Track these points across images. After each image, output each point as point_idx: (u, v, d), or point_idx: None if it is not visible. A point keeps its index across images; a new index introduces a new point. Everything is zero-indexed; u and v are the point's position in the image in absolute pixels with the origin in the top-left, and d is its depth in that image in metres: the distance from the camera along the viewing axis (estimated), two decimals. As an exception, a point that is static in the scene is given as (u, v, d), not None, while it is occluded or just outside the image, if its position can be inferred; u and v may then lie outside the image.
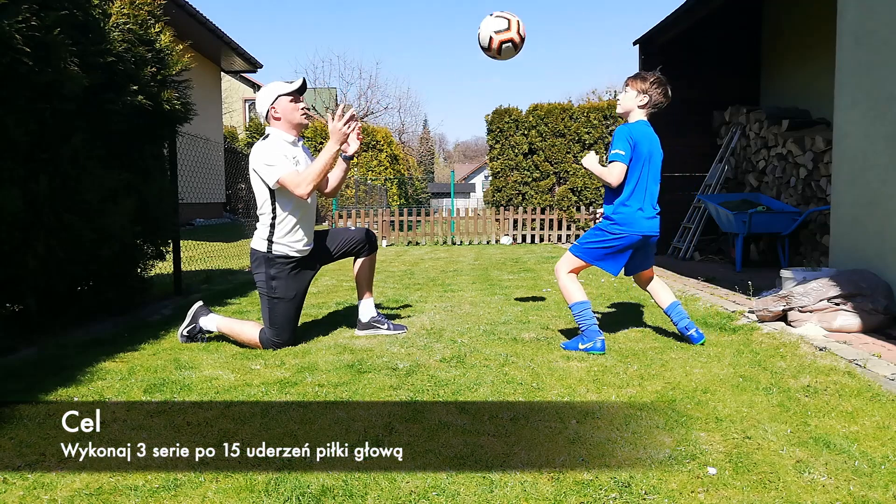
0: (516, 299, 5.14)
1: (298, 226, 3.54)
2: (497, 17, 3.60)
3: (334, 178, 3.72)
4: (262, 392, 2.77)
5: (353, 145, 3.58)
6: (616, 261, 3.54)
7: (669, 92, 3.52)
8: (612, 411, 2.47)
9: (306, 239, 3.60)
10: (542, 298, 5.18)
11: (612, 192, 3.52)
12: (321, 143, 17.58)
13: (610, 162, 3.44)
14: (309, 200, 3.59)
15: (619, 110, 3.63)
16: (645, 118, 3.53)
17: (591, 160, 3.60)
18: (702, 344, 3.48)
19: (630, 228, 3.45)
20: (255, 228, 3.59)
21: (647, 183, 3.49)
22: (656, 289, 3.69)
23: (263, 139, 3.53)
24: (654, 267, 3.77)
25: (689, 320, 3.54)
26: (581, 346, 3.41)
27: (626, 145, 3.41)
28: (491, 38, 3.58)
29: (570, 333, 3.84)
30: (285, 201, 3.49)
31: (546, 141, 12.23)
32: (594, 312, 3.53)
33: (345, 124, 3.43)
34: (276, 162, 3.39)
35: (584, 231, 11.90)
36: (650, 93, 3.49)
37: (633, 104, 3.52)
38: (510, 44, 3.58)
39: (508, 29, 3.58)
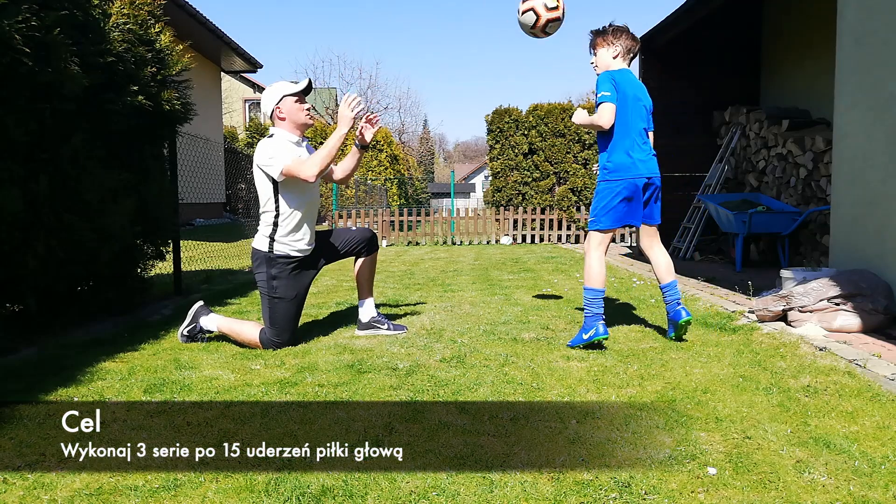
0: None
1: (301, 225, 3.55)
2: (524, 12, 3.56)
3: (347, 165, 3.77)
4: (262, 392, 2.77)
5: (368, 133, 3.61)
6: (633, 212, 3.50)
7: (634, 35, 3.54)
8: (612, 411, 2.47)
9: (308, 238, 3.60)
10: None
11: (603, 142, 3.51)
12: (321, 142, 17.57)
13: (597, 105, 3.42)
14: (312, 199, 3.59)
15: (598, 71, 3.61)
16: (625, 66, 3.54)
17: (580, 115, 3.57)
18: (687, 322, 3.47)
19: (628, 173, 3.43)
20: (257, 228, 3.59)
21: (636, 126, 3.47)
22: (660, 262, 3.64)
23: (268, 138, 3.53)
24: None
25: (679, 298, 3.53)
26: (584, 337, 3.42)
27: (610, 86, 3.41)
28: (539, 14, 3.51)
29: (570, 333, 3.84)
30: (289, 198, 3.49)
31: (546, 141, 12.23)
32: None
33: (350, 107, 3.43)
34: (280, 153, 3.40)
35: (584, 231, 11.92)
36: (617, 43, 3.51)
37: (608, 59, 3.54)
38: (557, 21, 3.55)
39: (557, 7, 3.52)
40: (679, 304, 3.52)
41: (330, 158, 3.41)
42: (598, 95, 3.42)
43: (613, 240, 11.90)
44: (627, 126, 3.45)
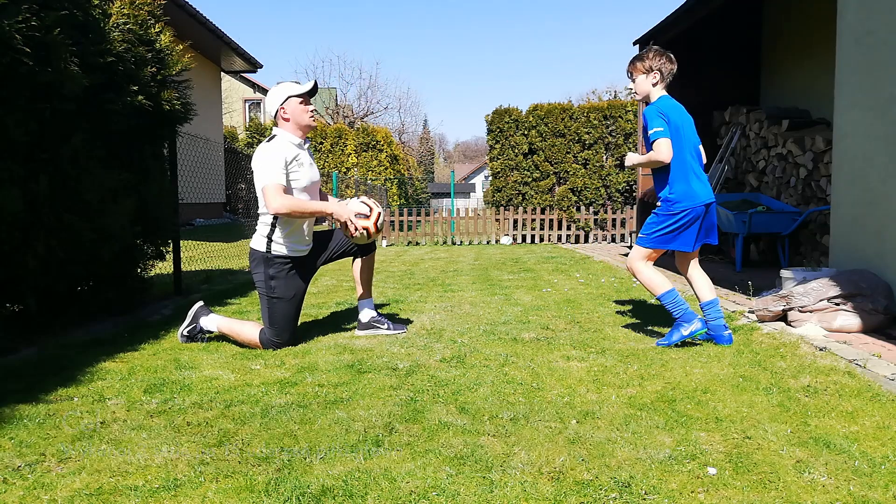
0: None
1: (299, 225, 3.55)
2: (361, 202, 3.57)
3: (306, 215, 3.61)
4: (262, 392, 2.76)
5: (349, 229, 3.55)
6: (687, 237, 3.51)
7: (672, 56, 3.54)
8: (612, 411, 2.47)
9: (306, 238, 3.61)
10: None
11: (661, 173, 3.51)
12: (321, 142, 17.58)
13: (652, 142, 3.43)
14: (310, 200, 3.59)
15: (638, 98, 3.64)
16: (664, 92, 3.55)
17: (632, 157, 3.61)
18: (728, 345, 3.48)
19: (691, 202, 3.45)
20: (256, 228, 3.59)
21: (689, 153, 3.49)
22: (699, 280, 3.65)
23: (269, 140, 3.53)
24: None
25: (723, 321, 3.54)
26: (685, 333, 3.41)
27: (661, 121, 3.41)
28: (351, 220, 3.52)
29: (570, 333, 3.84)
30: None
31: (546, 141, 12.22)
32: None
33: (353, 226, 3.48)
34: (269, 169, 3.40)
35: (584, 231, 11.92)
36: (657, 67, 3.51)
37: (648, 86, 3.54)
38: (365, 232, 3.54)
39: (368, 216, 3.54)
40: (726, 327, 3.53)
41: (298, 214, 3.46)
42: (651, 132, 3.41)
43: (613, 239, 11.90)
44: (682, 155, 3.46)
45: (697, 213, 3.47)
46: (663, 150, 3.38)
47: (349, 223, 3.49)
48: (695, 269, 3.68)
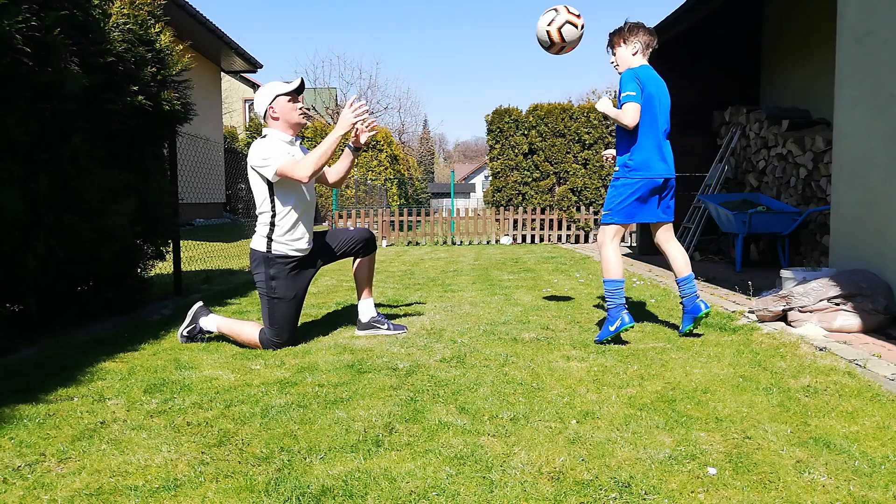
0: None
1: (298, 224, 3.55)
2: (545, 13, 3.66)
3: (341, 168, 3.76)
4: (262, 392, 2.76)
5: (363, 136, 3.61)
6: (649, 208, 3.54)
7: (651, 28, 3.58)
8: (612, 411, 2.47)
9: (306, 238, 3.61)
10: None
11: (625, 140, 3.53)
12: (320, 142, 17.60)
13: (622, 104, 3.44)
14: (308, 198, 3.59)
15: (619, 70, 3.65)
16: (645, 62, 3.56)
17: (604, 103, 3.60)
18: (706, 314, 3.52)
19: (648, 172, 3.47)
20: (255, 229, 3.59)
21: (658, 124, 3.50)
22: (676, 255, 3.68)
23: (261, 139, 3.53)
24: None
25: (697, 292, 3.57)
26: (611, 329, 3.45)
27: (636, 86, 3.43)
28: (548, 32, 3.62)
29: (570, 333, 3.84)
30: (285, 198, 3.49)
31: (546, 141, 12.22)
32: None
33: (353, 113, 3.45)
34: (273, 154, 3.41)
35: (584, 231, 11.92)
36: (635, 39, 3.56)
37: (628, 57, 3.58)
38: (568, 25, 3.60)
39: (558, 14, 3.62)
40: (697, 296, 3.56)
41: (325, 159, 3.42)
42: (623, 94, 3.44)
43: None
44: (650, 125, 3.47)
45: (654, 185, 3.49)
46: (629, 114, 3.40)
47: (355, 117, 3.46)
48: (671, 244, 3.71)
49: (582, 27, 3.66)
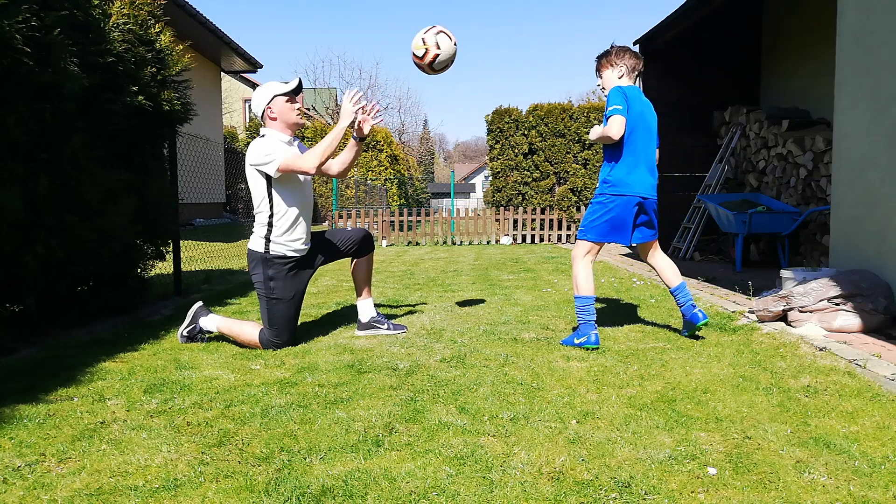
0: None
1: (296, 224, 3.55)
2: (422, 30, 3.66)
3: (345, 158, 3.76)
4: (262, 392, 2.76)
5: (367, 125, 3.62)
6: (622, 230, 3.55)
7: (636, 52, 3.63)
8: (612, 411, 2.47)
9: (304, 238, 3.61)
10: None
11: (609, 154, 3.56)
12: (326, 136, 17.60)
13: (608, 117, 3.47)
14: (306, 198, 3.60)
15: (606, 91, 3.69)
16: (631, 83, 3.61)
17: (595, 130, 3.63)
18: (704, 324, 3.52)
19: (627, 189, 3.48)
20: (252, 229, 3.60)
21: (641, 144, 3.52)
22: (663, 267, 3.70)
23: (259, 138, 3.53)
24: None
25: (692, 301, 3.57)
26: (576, 341, 3.47)
27: (622, 100, 3.46)
28: (423, 39, 3.61)
29: (570, 333, 3.84)
30: (282, 198, 3.49)
31: (546, 141, 12.22)
32: (595, 309, 3.55)
33: (352, 101, 3.46)
34: (275, 150, 3.41)
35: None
36: (620, 63, 3.60)
37: (614, 80, 3.62)
38: (443, 34, 3.61)
39: (434, 27, 3.63)
40: (694, 306, 3.56)
41: (331, 150, 3.43)
42: (610, 108, 3.46)
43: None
44: (633, 143, 3.50)
45: (627, 203, 3.49)
46: (614, 127, 3.42)
47: (357, 109, 3.47)
48: (656, 256, 3.73)
49: (456, 44, 3.66)
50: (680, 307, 3.61)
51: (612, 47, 3.67)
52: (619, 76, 3.61)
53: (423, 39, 3.63)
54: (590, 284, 3.54)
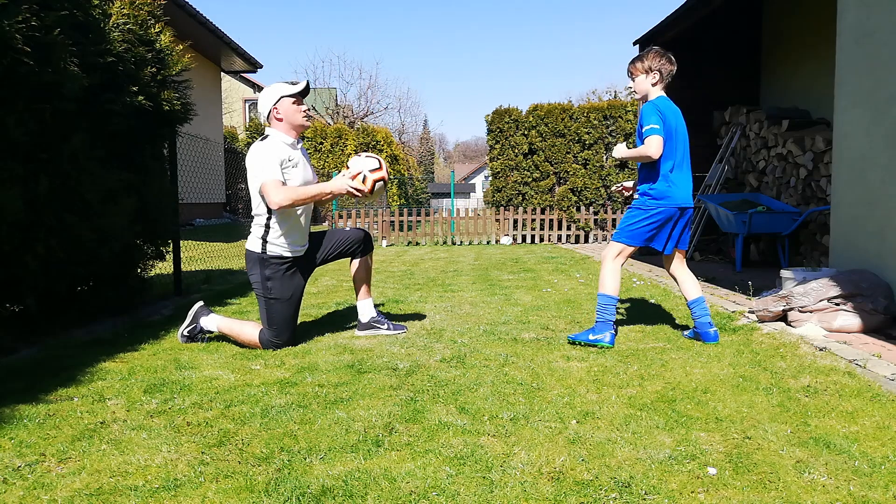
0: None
1: (294, 225, 3.55)
2: (367, 157, 3.60)
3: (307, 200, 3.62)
4: (262, 392, 2.76)
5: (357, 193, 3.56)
6: (661, 236, 3.57)
7: (672, 57, 3.57)
8: (612, 411, 2.47)
9: (301, 239, 3.61)
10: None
11: (647, 169, 3.56)
12: (321, 142, 17.57)
13: (645, 137, 3.46)
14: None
15: (637, 97, 3.69)
16: (663, 93, 3.58)
17: (620, 149, 3.63)
18: (716, 344, 3.52)
19: (668, 201, 3.51)
20: (250, 230, 3.60)
21: (679, 156, 3.54)
22: (684, 278, 3.71)
23: (262, 140, 3.53)
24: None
25: (710, 318, 3.58)
26: (591, 337, 3.48)
27: (657, 118, 3.44)
28: (365, 176, 3.54)
29: (570, 333, 3.84)
30: None
31: (546, 141, 12.22)
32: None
33: (352, 187, 3.46)
34: (265, 167, 3.40)
35: (584, 231, 11.92)
36: (656, 68, 3.54)
37: (648, 85, 3.57)
38: (382, 182, 3.57)
39: (380, 167, 3.57)
40: (711, 325, 3.57)
41: (301, 203, 3.45)
42: (647, 128, 3.44)
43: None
44: (670, 156, 3.50)
45: (669, 214, 3.52)
46: (653, 146, 3.42)
47: (354, 189, 3.46)
48: (680, 268, 3.74)
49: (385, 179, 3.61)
50: (694, 319, 3.60)
51: (647, 51, 3.59)
52: (653, 83, 3.55)
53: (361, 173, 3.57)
54: (616, 285, 3.56)
